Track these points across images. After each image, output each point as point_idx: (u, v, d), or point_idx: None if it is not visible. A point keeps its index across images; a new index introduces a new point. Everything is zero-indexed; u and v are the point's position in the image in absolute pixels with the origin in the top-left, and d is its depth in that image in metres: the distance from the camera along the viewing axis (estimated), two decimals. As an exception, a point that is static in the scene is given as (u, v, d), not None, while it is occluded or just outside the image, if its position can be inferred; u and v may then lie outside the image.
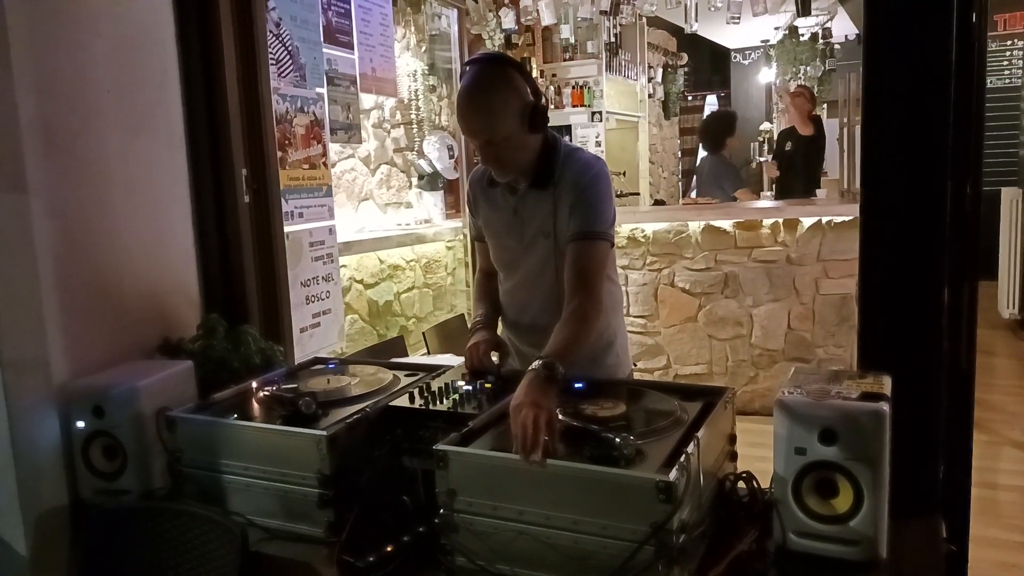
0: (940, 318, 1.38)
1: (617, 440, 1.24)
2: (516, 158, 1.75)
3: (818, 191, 5.27)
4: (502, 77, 1.71)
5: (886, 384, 1.30)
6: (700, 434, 1.28)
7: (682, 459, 1.18)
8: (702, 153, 5.91)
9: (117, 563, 1.52)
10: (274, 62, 2.51)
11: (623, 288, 4.69)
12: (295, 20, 2.63)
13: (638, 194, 7.47)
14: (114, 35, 1.84)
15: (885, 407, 1.21)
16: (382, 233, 4.02)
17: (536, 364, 1.43)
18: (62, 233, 1.71)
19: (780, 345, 4.50)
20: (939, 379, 1.42)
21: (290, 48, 2.61)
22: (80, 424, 1.64)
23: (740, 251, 4.50)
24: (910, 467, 1.39)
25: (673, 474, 1.13)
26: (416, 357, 3.31)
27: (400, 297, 4.20)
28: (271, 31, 2.47)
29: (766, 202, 5.40)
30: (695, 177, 5.93)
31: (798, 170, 5.53)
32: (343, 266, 3.68)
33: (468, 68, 1.75)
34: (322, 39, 2.84)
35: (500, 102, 1.68)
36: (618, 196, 7.01)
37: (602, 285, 1.72)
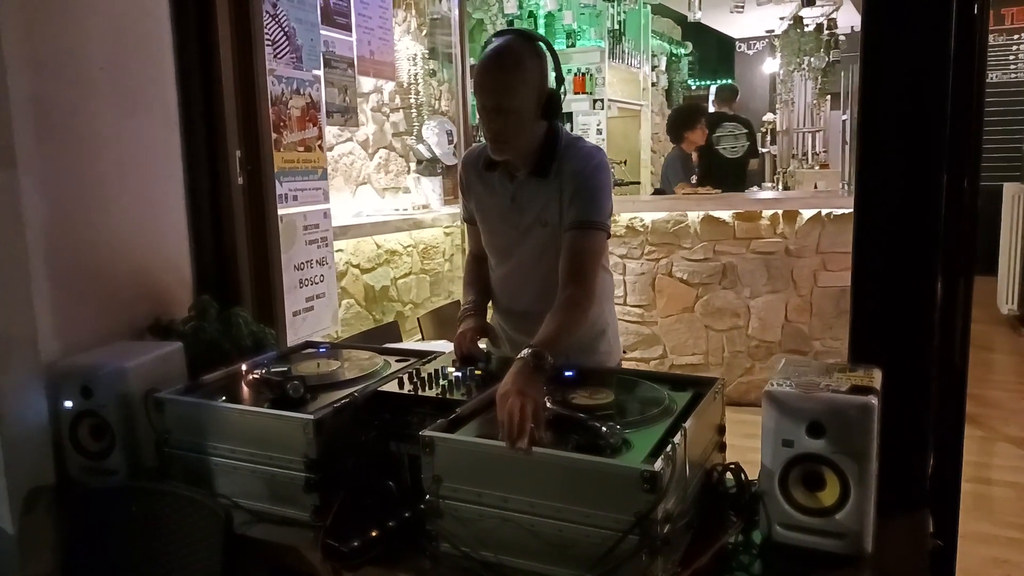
0: (933, 313, 1.37)
1: (603, 429, 1.23)
2: (519, 137, 1.72)
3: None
4: (534, 52, 1.71)
5: (876, 377, 1.30)
6: (687, 424, 1.27)
7: (668, 449, 1.17)
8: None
9: (103, 542, 1.53)
10: (270, 43, 2.48)
11: (620, 277, 4.69)
12: (292, 1, 2.60)
13: (639, 183, 7.45)
14: (109, 11, 1.82)
15: (874, 400, 1.20)
16: (380, 218, 4.00)
17: (525, 352, 1.42)
18: (53, 211, 1.70)
19: (777, 337, 4.50)
20: (930, 374, 1.41)
21: (287, 29, 2.59)
22: (68, 403, 1.64)
23: (739, 242, 4.49)
24: (899, 462, 1.38)
25: (658, 464, 1.13)
26: (410, 343, 3.30)
27: (397, 282, 4.19)
28: (267, 11, 2.44)
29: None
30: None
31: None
32: (339, 250, 3.67)
33: (500, 36, 1.73)
34: (320, 21, 2.82)
35: (525, 71, 1.68)
36: (619, 185, 6.99)
37: (596, 275, 1.71)
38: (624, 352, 4.55)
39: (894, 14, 1.29)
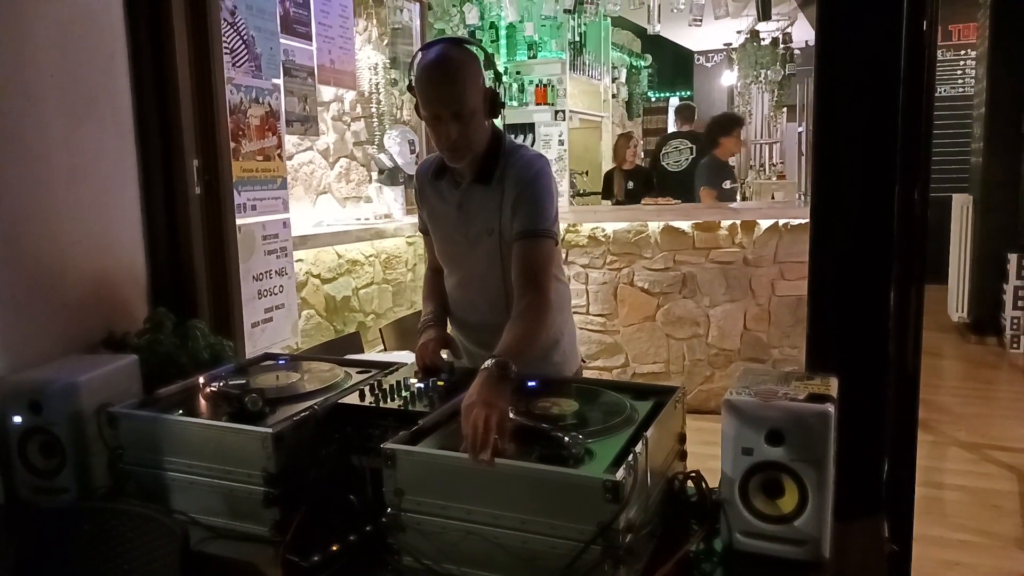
0: (887, 321, 1.40)
1: (566, 439, 1.23)
2: (476, 140, 1.73)
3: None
4: (471, 55, 1.72)
5: (833, 385, 1.32)
6: (648, 433, 1.28)
7: (630, 458, 1.18)
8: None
9: (55, 564, 1.47)
10: (228, 51, 2.45)
11: (583, 286, 4.71)
12: (251, 9, 2.57)
13: (600, 193, 7.50)
14: (58, 17, 1.78)
15: (831, 408, 1.22)
16: (340, 227, 3.97)
17: (489, 363, 1.41)
18: (0, 221, 1.65)
19: (736, 345, 4.56)
20: (885, 381, 1.44)
21: (245, 37, 2.56)
22: (16, 420, 1.59)
23: (698, 252, 4.55)
24: (855, 468, 1.41)
25: (620, 473, 1.13)
26: (372, 354, 3.27)
27: (358, 293, 4.15)
28: (225, 19, 2.41)
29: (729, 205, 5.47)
30: None
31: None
32: (299, 260, 3.63)
33: (432, 46, 1.71)
34: (279, 29, 2.79)
35: (471, 75, 1.68)
36: (580, 195, 7.03)
37: (550, 282, 1.71)
38: (585, 361, 4.58)
39: (847, 30, 1.33)
